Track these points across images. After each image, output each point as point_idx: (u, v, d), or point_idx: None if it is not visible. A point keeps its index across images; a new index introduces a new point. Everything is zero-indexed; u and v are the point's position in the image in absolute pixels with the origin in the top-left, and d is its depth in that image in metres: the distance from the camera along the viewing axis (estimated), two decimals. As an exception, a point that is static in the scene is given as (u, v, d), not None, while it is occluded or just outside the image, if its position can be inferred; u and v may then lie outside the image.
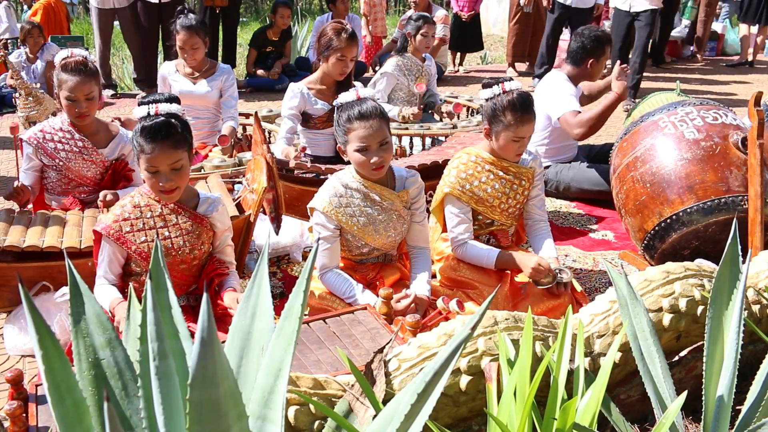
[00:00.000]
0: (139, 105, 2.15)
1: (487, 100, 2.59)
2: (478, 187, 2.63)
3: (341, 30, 3.45)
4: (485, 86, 2.62)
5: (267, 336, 1.26)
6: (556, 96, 4.01)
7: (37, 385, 1.68)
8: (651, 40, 8.73)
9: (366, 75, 8.24)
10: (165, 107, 2.12)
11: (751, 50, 9.76)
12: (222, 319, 2.22)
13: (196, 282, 2.36)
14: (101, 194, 2.80)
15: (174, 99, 2.19)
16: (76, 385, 1.05)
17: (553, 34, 7.34)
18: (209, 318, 0.89)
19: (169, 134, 2.09)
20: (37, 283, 2.58)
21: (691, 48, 10.03)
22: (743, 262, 1.71)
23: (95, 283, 2.24)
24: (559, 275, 2.53)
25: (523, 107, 2.51)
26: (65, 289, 2.52)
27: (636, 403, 1.94)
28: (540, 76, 7.44)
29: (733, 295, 1.66)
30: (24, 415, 1.53)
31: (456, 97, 5.05)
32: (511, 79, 2.62)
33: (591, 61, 4.05)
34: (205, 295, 0.91)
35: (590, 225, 3.89)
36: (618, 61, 3.98)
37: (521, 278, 2.64)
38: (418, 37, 4.64)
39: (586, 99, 4.33)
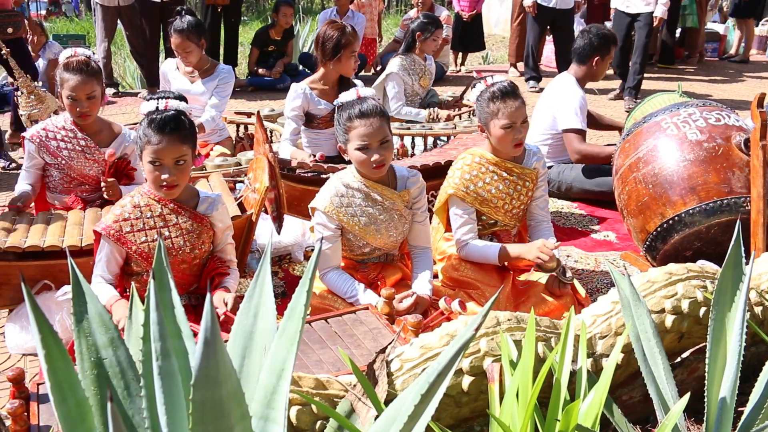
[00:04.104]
0: (147, 100, 2.16)
1: (477, 100, 2.62)
2: (482, 188, 2.63)
3: (343, 27, 3.46)
4: (471, 89, 2.66)
5: (269, 336, 1.26)
6: (566, 104, 4.02)
7: (38, 384, 1.69)
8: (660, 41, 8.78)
9: (365, 74, 8.22)
10: (174, 104, 2.15)
11: (743, 46, 9.83)
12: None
13: (197, 281, 2.36)
14: (102, 179, 2.80)
15: (182, 98, 2.21)
16: (79, 385, 1.05)
17: (537, 36, 7.36)
18: (212, 318, 0.89)
19: (177, 127, 2.11)
20: (39, 282, 2.58)
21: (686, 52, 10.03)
22: (746, 264, 1.70)
23: (91, 282, 2.24)
24: (562, 273, 2.53)
25: (504, 94, 2.54)
26: (67, 288, 2.51)
27: (638, 404, 1.94)
28: (533, 79, 7.47)
29: (736, 297, 1.65)
30: (25, 414, 1.53)
31: (457, 98, 5.05)
32: (492, 76, 2.65)
33: (597, 58, 4.06)
34: (208, 296, 0.91)
35: (592, 225, 3.89)
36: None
37: (524, 277, 2.63)
38: (429, 41, 4.65)
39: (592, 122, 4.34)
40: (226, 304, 2.15)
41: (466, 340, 1.02)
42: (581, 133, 4.01)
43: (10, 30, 4.46)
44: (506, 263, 2.72)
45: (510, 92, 2.54)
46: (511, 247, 2.60)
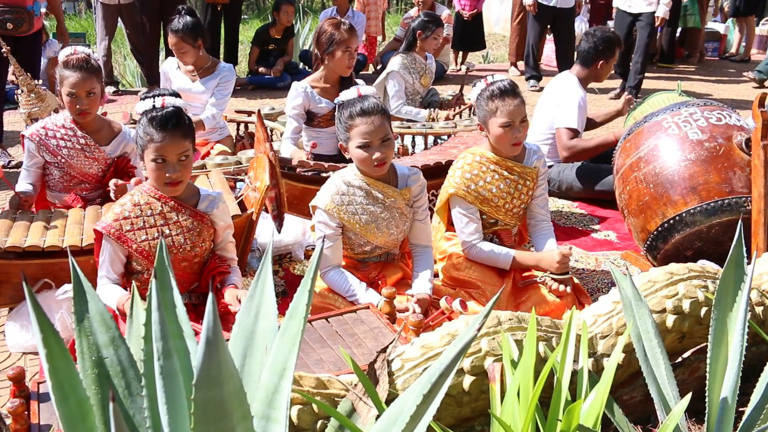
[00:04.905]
0: (143, 99, 2.16)
1: (477, 98, 2.62)
2: (483, 187, 2.63)
3: (339, 23, 3.46)
4: (473, 87, 2.66)
5: (270, 335, 1.26)
6: (563, 102, 4.02)
7: (39, 383, 1.68)
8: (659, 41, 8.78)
9: (366, 72, 8.21)
10: (171, 100, 2.15)
11: (743, 45, 9.83)
12: (224, 317, 2.22)
13: (197, 279, 2.36)
14: (111, 183, 2.80)
15: (176, 95, 2.21)
16: (80, 384, 1.05)
17: (537, 35, 7.37)
18: (215, 318, 0.89)
19: (179, 123, 2.11)
20: (39, 281, 2.57)
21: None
22: (747, 264, 1.70)
23: (98, 284, 2.24)
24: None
25: (502, 93, 2.53)
26: (67, 287, 2.51)
27: (638, 404, 1.93)
28: (533, 78, 7.47)
29: (738, 297, 1.65)
30: (26, 413, 1.53)
31: (457, 95, 5.04)
32: (493, 75, 2.65)
33: (601, 62, 4.07)
34: (210, 295, 0.90)
35: (592, 225, 3.89)
36: (626, 94, 4.08)
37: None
38: (430, 39, 4.65)
39: (589, 124, 4.33)
40: (239, 302, 2.14)
41: (468, 340, 1.02)
42: (574, 132, 4.00)
43: (9, 26, 4.43)
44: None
45: (509, 91, 2.54)
46: (524, 256, 2.60)
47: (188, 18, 3.92)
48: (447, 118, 4.42)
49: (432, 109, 4.54)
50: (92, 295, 1.19)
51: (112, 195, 2.79)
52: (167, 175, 2.13)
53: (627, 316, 1.72)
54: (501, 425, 1.37)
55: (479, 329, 1.03)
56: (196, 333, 1.23)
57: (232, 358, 0.95)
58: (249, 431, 0.99)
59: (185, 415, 1.01)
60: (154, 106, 2.12)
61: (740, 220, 1.96)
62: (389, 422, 1.18)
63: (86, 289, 1.19)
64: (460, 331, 1.67)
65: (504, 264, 2.61)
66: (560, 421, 1.41)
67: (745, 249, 1.73)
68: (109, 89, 6.88)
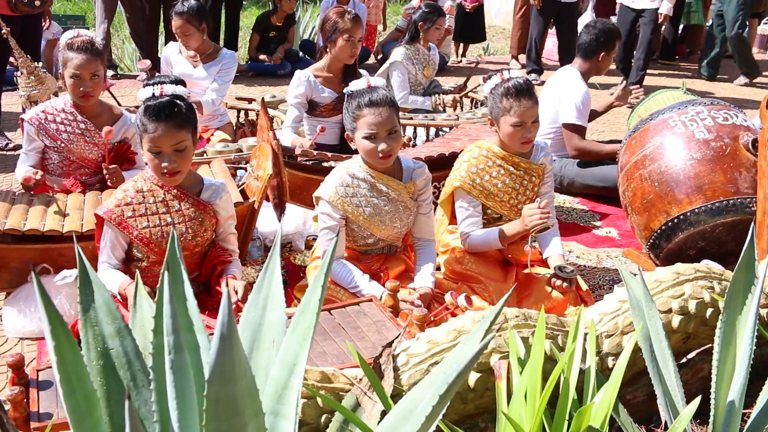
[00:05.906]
0: (144, 86, 2.13)
1: (490, 92, 2.59)
2: (489, 182, 2.61)
3: (344, 12, 3.44)
4: (486, 80, 2.63)
5: (278, 328, 1.24)
6: (569, 98, 4.01)
7: (38, 371, 1.66)
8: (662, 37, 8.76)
9: (367, 62, 8.17)
10: (170, 88, 2.11)
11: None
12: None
13: (197, 269, 2.34)
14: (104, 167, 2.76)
15: (179, 81, 2.18)
16: (87, 377, 1.02)
17: (541, 29, 7.34)
18: (229, 313, 0.87)
19: (173, 114, 2.07)
20: (38, 266, 2.54)
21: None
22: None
23: (98, 269, 2.21)
24: (562, 271, 2.51)
25: (518, 92, 2.50)
26: (66, 272, 2.49)
27: (641, 404, 1.93)
28: (534, 72, 7.45)
29: (748, 300, 1.64)
30: (25, 400, 1.51)
31: (459, 91, 5.02)
32: (509, 70, 2.62)
33: (602, 54, 4.07)
34: (224, 290, 0.88)
35: (594, 221, 3.87)
36: (624, 83, 4.09)
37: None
38: (432, 29, 4.62)
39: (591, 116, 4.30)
40: (236, 292, 2.12)
41: (487, 340, 1.00)
42: (581, 130, 4.01)
43: (37, 2, 4.37)
44: (509, 257, 2.71)
45: (524, 90, 2.51)
46: (507, 227, 2.58)
47: (192, 1, 3.89)
48: (453, 102, 4.41)
49: (437, 95, 4.52)
50: (98, 285, 1.17)
51: (108, 181, 2.76)
52: (163, 165, 2.10)
53: (635, 315, 1.71)
54: (511, 424, 1.36)
55: (498, 328, 1.02)
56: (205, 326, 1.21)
57: (245, 355, 0.93)
58: (260, 428, 0.97)
59: (195, 410, 0.99)
60: (153, 94, 2.09)
61: (753, 222, 1.94)
62: (398, 420, 1.17)
63: (92, 279, 1.17)
64: (467, 327, 1.66)
65: (495, 242, 2.58)
66: (569, 421, 1.40)
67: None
68: (108, 73, 6.81)
